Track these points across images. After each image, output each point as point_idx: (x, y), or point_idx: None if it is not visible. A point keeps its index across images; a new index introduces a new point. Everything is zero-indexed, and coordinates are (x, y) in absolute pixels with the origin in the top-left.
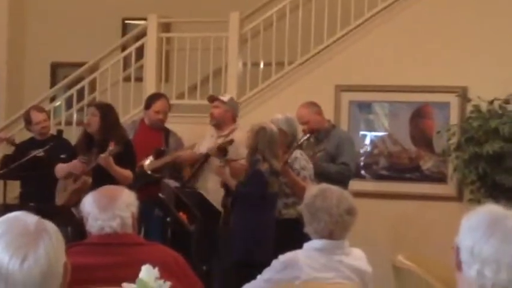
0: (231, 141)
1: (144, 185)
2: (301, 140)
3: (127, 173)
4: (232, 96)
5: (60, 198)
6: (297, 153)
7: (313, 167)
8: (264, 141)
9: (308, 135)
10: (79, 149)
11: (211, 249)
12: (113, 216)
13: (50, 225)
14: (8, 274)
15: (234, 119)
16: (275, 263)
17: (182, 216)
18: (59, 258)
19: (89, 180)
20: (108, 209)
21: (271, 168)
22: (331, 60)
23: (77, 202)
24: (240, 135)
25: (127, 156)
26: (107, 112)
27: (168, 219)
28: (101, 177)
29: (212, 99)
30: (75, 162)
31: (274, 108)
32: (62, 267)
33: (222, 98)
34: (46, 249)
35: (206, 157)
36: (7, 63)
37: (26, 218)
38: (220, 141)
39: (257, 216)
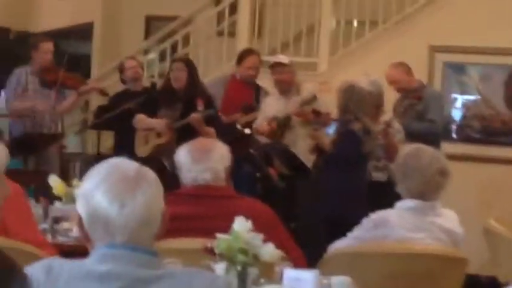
0: (315, 97)
1: (234, 141)
2: (406, 105)
3: (211, 131)
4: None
5: (141, 151)
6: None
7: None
8: (354, 100)
9: (415, 100)
10: (162, 103)
11: (300, 207)
12: (206, 168)
13: (149, 173)
14: (107, 219)
15: (294, 80)
16: (366, 221)
17: (272, 172)
18: (158, 206)
19: (174, 136)
20: (201, 161)
21: (364, 128)
22: (426, 20)
23: (160, 155)
24: (310, 87)
25: (212, 116)
26: (193, 68)
27: (258, 174)
28: (185, 133)
29: (277, 65)
30: (160, 121)
31: (367, 68)
32: (160, 215)
33: (285, 61)
34: (145, 196)
35: (287, 121)
36: (102, 16)
37: (126, 165)
38: (299, 100)
39: (350, 175)
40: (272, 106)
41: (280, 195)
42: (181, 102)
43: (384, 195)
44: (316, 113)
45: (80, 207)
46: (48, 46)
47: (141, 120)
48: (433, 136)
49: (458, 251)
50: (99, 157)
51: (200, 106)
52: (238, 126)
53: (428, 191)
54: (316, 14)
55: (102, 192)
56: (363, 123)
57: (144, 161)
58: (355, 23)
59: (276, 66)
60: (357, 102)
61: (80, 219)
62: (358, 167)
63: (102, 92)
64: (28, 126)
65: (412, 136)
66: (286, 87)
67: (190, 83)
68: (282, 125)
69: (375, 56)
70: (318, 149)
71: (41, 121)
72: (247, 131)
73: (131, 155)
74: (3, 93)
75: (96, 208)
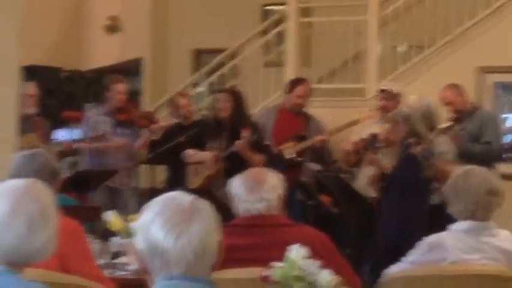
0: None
1: (285, 169)
2: (445, 126)
3: (258, 157)
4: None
5: (192, 183)
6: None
7: (457, 148)
8: (421, 123)
9: (451, 123)
10: (210, 133)
11: (355, 233)
12: (259, 198)
13: (204, 204)
14: (164, 251)
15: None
16: (421, 244)
17: (325, 199)
18: (213, 237)
19: (222, 166)
20: (255, 192)
21: (428, 149)
22: (473, 42)
23: (210, 186)
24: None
25: (258, 143)
26: (239, 98)
27: (310, 202)
28: (233, 162)
29: (383, 91)
30: (207, 154)
31: (414, 92)
32: (216, 246)
33: (391, 90)
34: (200, 228)
35: (372, 142)
36: (151, 51)
37: (182, 198)
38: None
39: (410, 200)
40: (368, 128)
41: (333, 222)
42: (228, 132)
43: (437, 218)
44: (373, 136)
45: (138, 241)
46: (120, 87)
47: (190, 154)
48: (489, 158)
49: None
50: (152, 191)
51: (245, 133)
52: (291, 155)
53: (479, 211)
54: (363, 41)
55: (158, 225)
56: (428, 144)
57: (196, 193)
58: (401, 48)
59: (382, 93)
60: (425, 124)
61: (138, 252)
62: (418, 191)
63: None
64: (104, 161)
65: (467, 158)
66: (387, 113)
67: (236, 113)
68: (369, 145)
69: (423, 80)
70: (379, 174)
71: (115, 160)
72: (298, 159)
73: (184, 188)
74: (60, 131)
75: (153, 241)
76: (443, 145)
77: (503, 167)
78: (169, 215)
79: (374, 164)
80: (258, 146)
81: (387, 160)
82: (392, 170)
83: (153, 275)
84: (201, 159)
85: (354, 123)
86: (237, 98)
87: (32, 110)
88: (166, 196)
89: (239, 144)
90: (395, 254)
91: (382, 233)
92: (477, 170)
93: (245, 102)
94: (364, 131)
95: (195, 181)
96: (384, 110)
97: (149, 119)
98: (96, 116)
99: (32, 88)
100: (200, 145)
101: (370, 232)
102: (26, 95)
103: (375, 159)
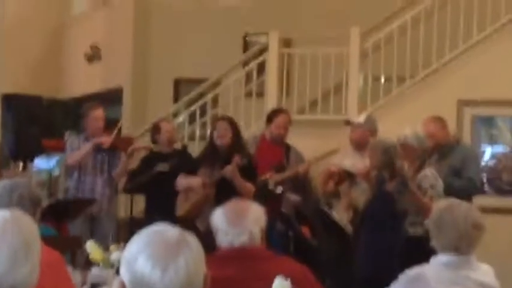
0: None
1: (265, 200)
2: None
3: (249, 186)
4: (368, 113)
5: (180, 209)
6: (426, 171)
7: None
8: (398, 158)
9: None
10: (203, 161)
11: (334, 264)
12: (242, 231)
13: (190, 237)
14: (149, 284)
15: (374, 136)
16: (402, 277)
17: (305, 230)
18: (199, 270)
19: (212, 192)
20: (237, 224)
21: (399, 185)
22: (454, 75)
23: (198, 214)
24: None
25: (250, 170)
26: (236, 127)
27: (290, 233)
28: (224, 190)
29: (348, 123)
30: (197, 179)
31: (395, 123)
32: (203, 279)
33: (354, 121)
34: (186, 261)
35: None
36: (131, 80)
37: (168, 230)
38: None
39: (385, 234)
40: (347, 158)
41: (314, 253)
42: (223, 161)
43: (422, 250)
44: (349, 174)
45: (123, 273)
46: (97, 113)
47: (179, 181)
48: (470, 193)
49: None
50: (132, 221)
51: (236, 159)
52: (270, 186)
53: (463, 245)
54: (344, 72)
55: (145, 257)
56: (403, 178)
57: (177, 222)
58: (382, 79)
59: (350, 125)
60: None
61: (122, 284)
62: (392, 226)
63: (148, 148)
64: (81, 187)
65: (448, 192)
66: (357, 145)
67: (234, 142)
68: (345, 177)
69: (404, 112)
70: (352, 207)
71: (93, 186)
72: (278, 190)
73: (164, 217)
74: (37, 160)
75: (138, 273)
76: (432, 179)
77: (481, 199)
78: (156, 248)
79: (347, 197)
80: (249, 175)
81: (362, 194)
82: (366, 205)
83: None
84: (190, 185)
85: (333, 152)
86: (236, 127)
87: None
88: (152, 229)
89: (228, 169)
90: (371, 286)
91: (358, 265)
92: (461, 204)
93: (240, 131)
94: (343, 161)
95: (183, 207)
96: (352, 141)
97: (127, 142)
98: (77, 143)
99: None
100: (185, 174)
101: (348, 264)
102: None
103: (348, 194)
